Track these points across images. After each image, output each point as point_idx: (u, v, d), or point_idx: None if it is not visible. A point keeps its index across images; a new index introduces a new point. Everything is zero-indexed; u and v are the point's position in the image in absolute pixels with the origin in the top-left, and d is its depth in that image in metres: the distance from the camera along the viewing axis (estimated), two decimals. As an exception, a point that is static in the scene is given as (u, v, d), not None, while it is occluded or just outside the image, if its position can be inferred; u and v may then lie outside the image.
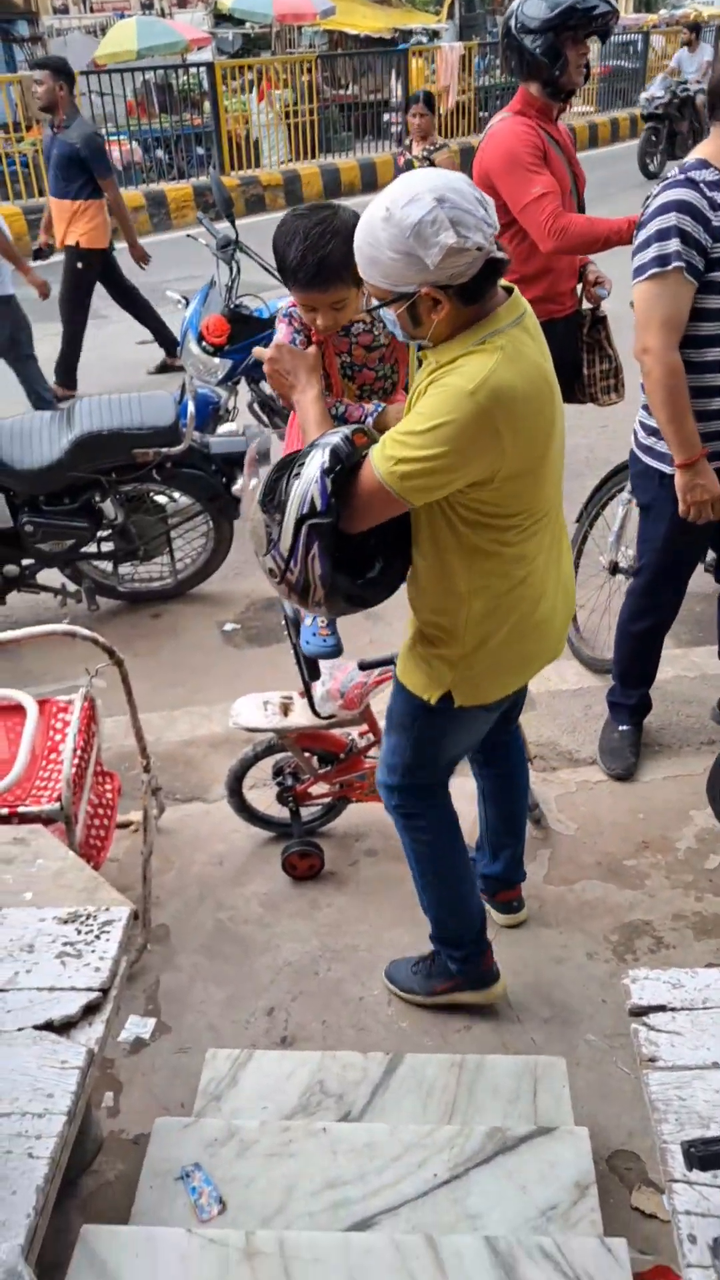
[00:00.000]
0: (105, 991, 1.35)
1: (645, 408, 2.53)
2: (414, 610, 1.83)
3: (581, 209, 3.33)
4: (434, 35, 17.74)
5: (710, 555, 3.03)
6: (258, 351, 1.95)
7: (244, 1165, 1.58)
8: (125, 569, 3.82)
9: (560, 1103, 1.77)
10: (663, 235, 2.23)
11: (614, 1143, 1.84)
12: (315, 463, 1.57)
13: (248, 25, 17.17)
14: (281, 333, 1.95)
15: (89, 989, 1.35)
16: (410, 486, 1.54)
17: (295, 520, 1.58)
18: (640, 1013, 1.27)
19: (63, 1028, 1.30)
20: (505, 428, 1.50)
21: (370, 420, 1.98)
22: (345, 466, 1.57)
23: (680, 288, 2.26)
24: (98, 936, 1.43)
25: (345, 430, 1.62)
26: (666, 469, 2.48)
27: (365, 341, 2.07)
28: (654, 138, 11.41)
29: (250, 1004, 2.18)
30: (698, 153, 2.29)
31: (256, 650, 3.64)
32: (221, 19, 18.05)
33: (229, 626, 3.79)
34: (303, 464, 1.59)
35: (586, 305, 3.47)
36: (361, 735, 2.48)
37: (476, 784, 2.25)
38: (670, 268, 2.23)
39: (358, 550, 1.66)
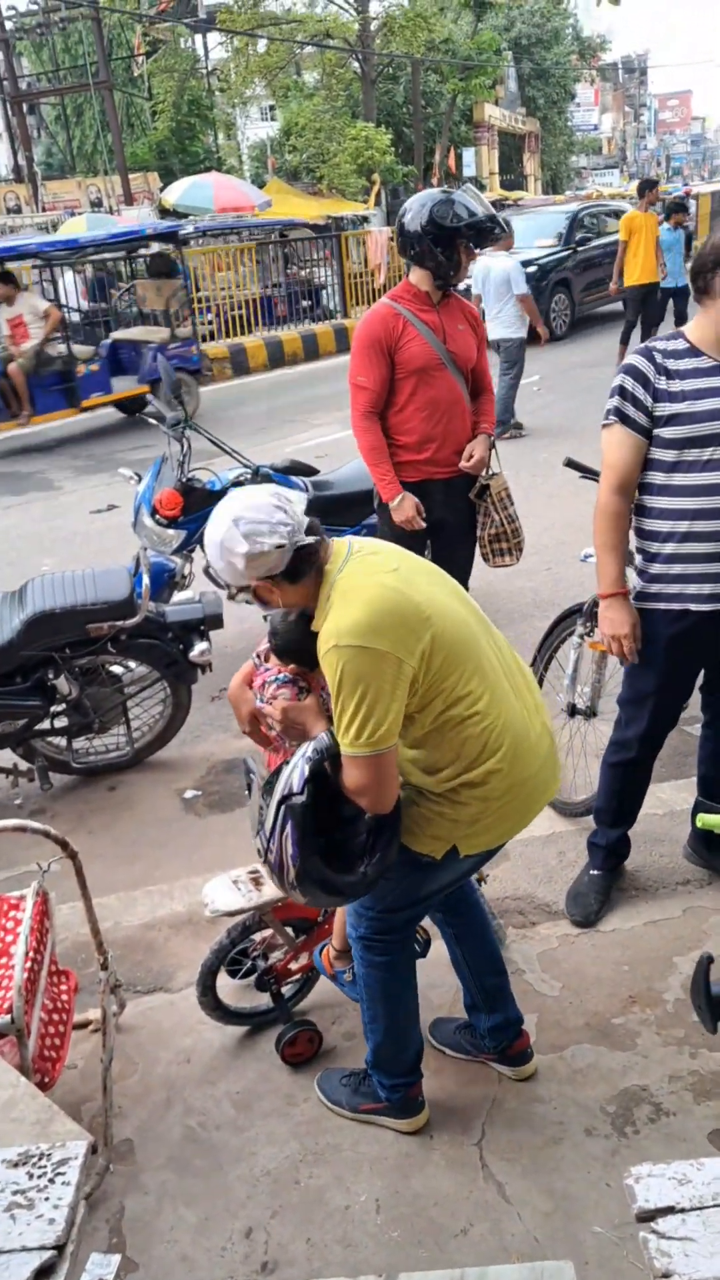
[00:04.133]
0: (61, 1249, 1.20)
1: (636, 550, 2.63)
2: (408, 777, 1.93)
3: (471, 383, 3.69)
4: (363, 221, 19.33)
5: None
6: (262, 710, 2.05)
7: None
8: (80, 743, 3.75)
9: (572, 1317, 1.60)
10: (612, 394, 2.47)
11: None
12: (301, 753, 1.81)
13: (191, 218, 18.57)
14: (286, 696, 2.01)
15: (41, 1248, 1.19)
16: (374, 739, 1.72)
17: (277, 801, 1.79)
18: (647, 1217, 1.16)
19: (11, 1296, 1.15)
20: (383, 644, 1.71)
21: None
22: (326, 755, 1.79)
23: (620, 438, 2.46)
24: (51, 1180, 1.28)
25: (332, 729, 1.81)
26: (640, 605, 2.58)
27: None
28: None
29: (226, 1226, 1.98)
30: (685, 327, 2.49)
31: (219, 817, 3.54)
32: (166, 213, 19.54)
33: (189, 794, 3.70)
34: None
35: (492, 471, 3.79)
36: None
37: (443, 933, 2.28)
38: (611, 421, 2.46)
39: (344, 846, 1.82)
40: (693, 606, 2.48)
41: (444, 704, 1.80)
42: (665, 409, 2.37)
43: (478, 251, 3.55)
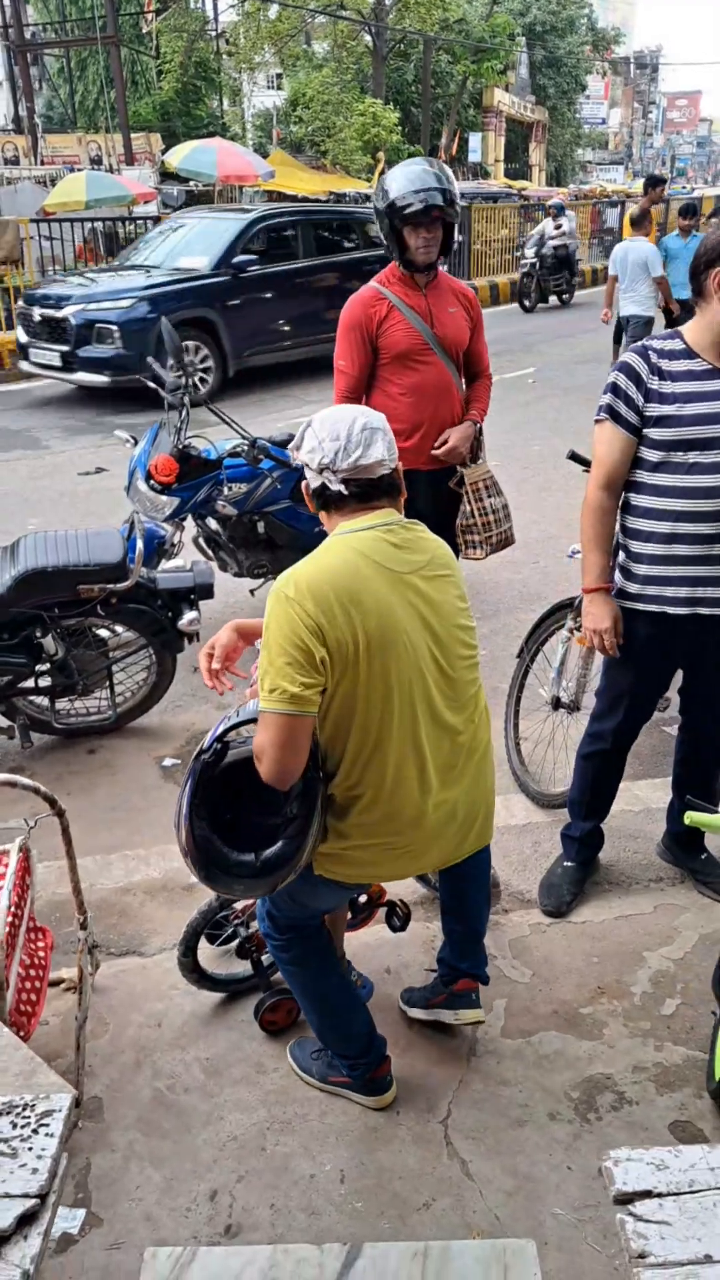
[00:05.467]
0: (44, 1198, 1.21)
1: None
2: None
3: (459, 366, 3.64)
4: (366, 199, 19.16)
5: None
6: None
7: None
8: (62, 704, 3.73)
9: (533, 1293, 1.63)
10: (605, 390, 2.46)
11: (589, 1335, 1.71)
12: (226, 714, 1.82)
13: (191, 183, 18.27)
14: None
15: (25, 1195, 1.20)
16: (281, 698, 1.70)
17: (193, 759, 1.79)
18: (625, 1200, 1.19)
19: (-9, 1243, 1.16)
20: (313, 608, 1.71)
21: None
22: (242, 722, 1.79)
23: (610, 435, 2.46)
24: (35, 1130, 1.30)
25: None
26: (620, 603, 2.59)
27: None
28: (527, 282, 15.01)
29: (191, 1187, 2.00)
30: (684, 326, 2.48)
31: (197, 788, 3.54)
32: (167, 176, 19.20)
33: (169, 762, 3.69)
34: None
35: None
36: None
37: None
38: (603, 417, 2.47)
39: (252, 829, 1.80)
40: (670, 610, 2.49)
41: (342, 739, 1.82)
42: (655, 409, 2.37)
43: (424, 232, 3.34)
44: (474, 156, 30.45)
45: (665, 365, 2.38)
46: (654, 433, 2.39)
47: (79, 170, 17.74)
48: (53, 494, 6.73)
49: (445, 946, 2.32)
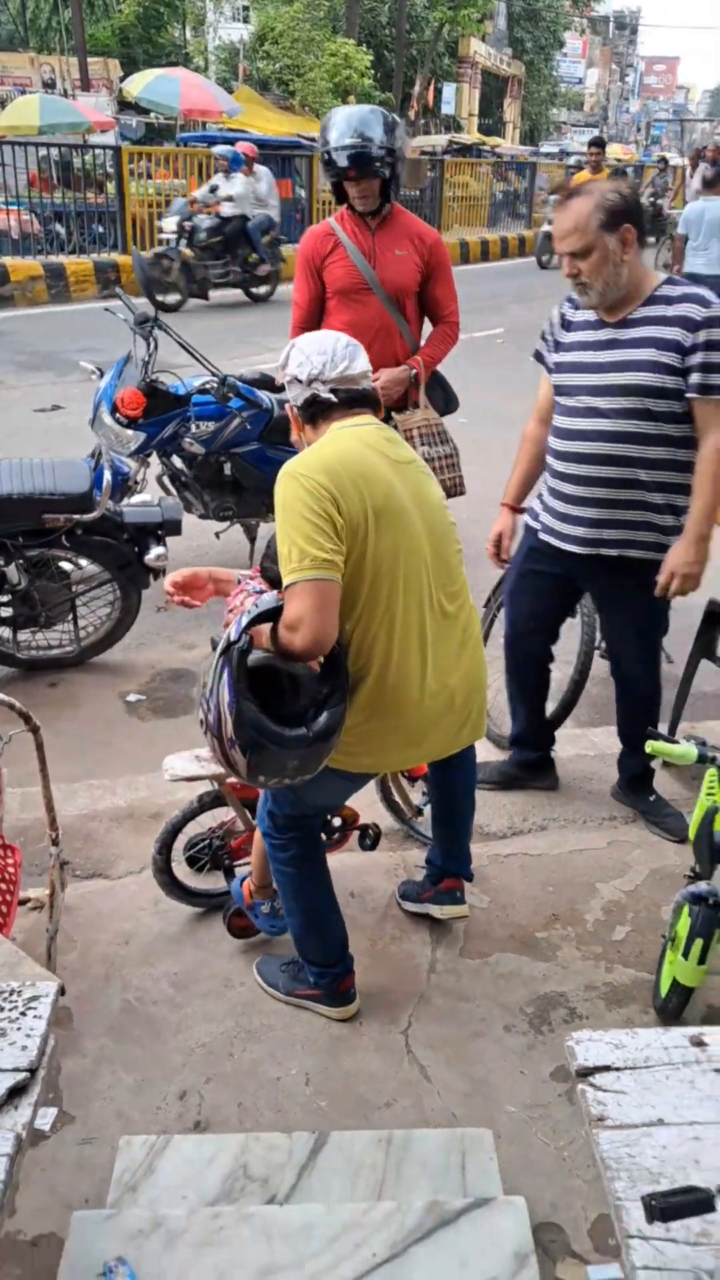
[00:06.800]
0: (33, 1072, 1.27)
1: None
2: None
3: (401, 308, 3.64)
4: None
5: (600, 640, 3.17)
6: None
7: (172, 1257, 1.48)
8: (24, 635, 3.71)
9: (489, 1175, 1.75)
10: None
11: (538, 1215, 1.81)
12: (244, 610, 1.85)
13: (152, 115, 17.69)
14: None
15: (15, 1069, 1.26)
16: (308, 563, 1.75)
17: (218, 655, 1.80)
18: (586, 1073, 1.29)
19: (-15, 1112, 1.21)
20: (326, 480, 1.79)
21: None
22: (272, 611, 1.81)
23: (543, 374, 2.72)
24: (23, 1013, 1.35)
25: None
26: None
27: None
28: (546, 242, 13.96)
29: (161, 1088, 2.07)
30: None
31: (164, 722, 3.57)
32: (126, 106, 18.54)
33: (133, 697, 3.71)
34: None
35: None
36: None
37: (428, 772, 2.44)
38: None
39: (288, 712, 1.82)
40: (565, 546, 2.64)
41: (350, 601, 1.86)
42: (556, 357, 2.61)
43: (359, 184, 3.35)
44: (448, 108, 29.91)
45: (569, 316, 2.59)
46: (553, 377, 2.63)
47: (30, 93, 17.05)
48: (6, 429, 6.57)
49: (433, 848, 2.49)
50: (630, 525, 2.55)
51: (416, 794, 2.81)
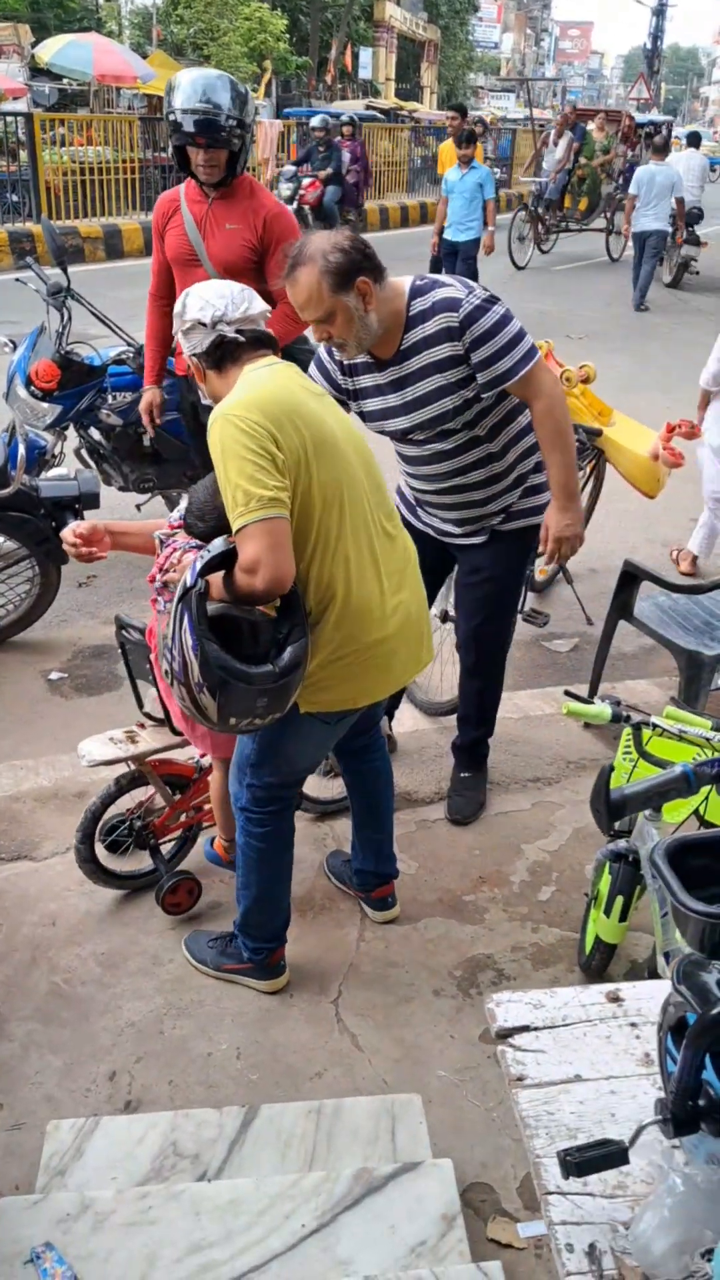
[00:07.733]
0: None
1: None
2: None
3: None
4: (254, 111, 18.36)
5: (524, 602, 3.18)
6: (169, 578, 2.02)
7: (100, 1239, 1.46)
8: (-61, 616, 3.59)
9: (419, 1139, 1.77)
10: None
11: (468, 1176, 1.85)
12: (195, 557, 1.82)
13: (65, 81, 17.09)
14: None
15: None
16: (258, 504, 1.73)
17: (176, 603, 1.77)
18: (506, 1035, 1.30)
19: None
20: (259, 418, 1.76)
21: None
22: (222, 556, 1.79)
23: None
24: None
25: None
26: None
27: None
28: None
29: (90, 1069, 2.05)
30: None
31: (86, 700, 3.50)
32: (38, 72, 17.87)
33: (55, 675, 3.63)
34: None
35: None
36: (202, 755, 2.46)
37: (344, 778, 2.44)
38: None
39: (250, 655, 1.81)
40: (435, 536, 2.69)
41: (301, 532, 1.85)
42: (356, 405, 2.51)
43: (203, 153, 3.23)
44: (364, 73, 29.49)
45: (347, 361, 2.40)
46: (364, 420, 2.49)
47: (-63, 57, 16.33)
48: None
49: (360, 858, 2.44)
50: (491, 515, 2.60)
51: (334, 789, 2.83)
